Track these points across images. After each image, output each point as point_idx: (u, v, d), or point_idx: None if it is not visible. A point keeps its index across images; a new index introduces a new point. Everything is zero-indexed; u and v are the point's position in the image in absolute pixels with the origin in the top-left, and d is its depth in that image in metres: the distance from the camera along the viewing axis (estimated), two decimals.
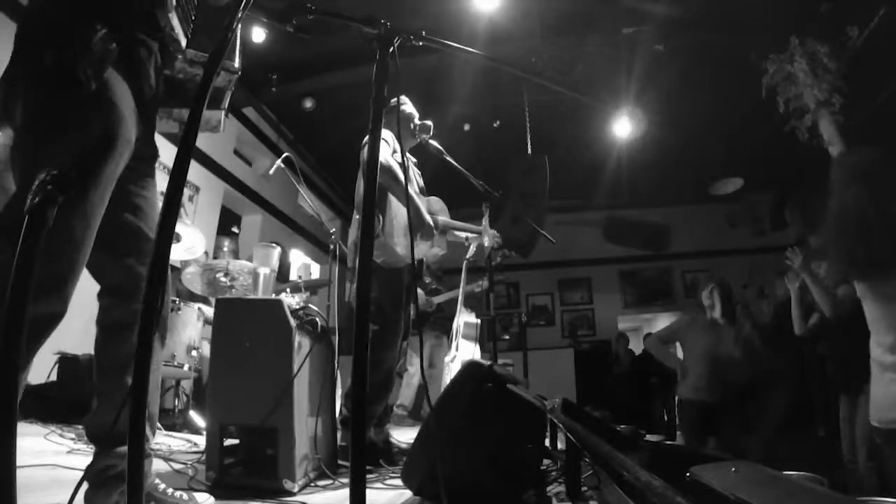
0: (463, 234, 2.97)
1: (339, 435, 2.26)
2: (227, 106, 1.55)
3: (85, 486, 1.18)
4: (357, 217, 2.48)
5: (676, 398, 4.07)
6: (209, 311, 3.38)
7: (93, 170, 1.12)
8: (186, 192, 4.75)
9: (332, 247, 3.49)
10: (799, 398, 3.67)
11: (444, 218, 2.75)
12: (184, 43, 1.39)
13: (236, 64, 1.48)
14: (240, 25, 0.94)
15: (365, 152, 2.44)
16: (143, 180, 1.36)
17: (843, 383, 2.93)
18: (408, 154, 2.71)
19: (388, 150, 2.44)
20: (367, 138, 2.47)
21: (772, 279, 4.29)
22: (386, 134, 2.45)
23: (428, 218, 2.46)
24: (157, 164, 1.45)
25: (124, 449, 1.20)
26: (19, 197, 1.06)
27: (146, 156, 1.37)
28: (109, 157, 1.15)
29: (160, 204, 1.36)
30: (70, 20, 1.17)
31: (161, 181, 1.16)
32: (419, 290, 4.59)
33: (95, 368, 1.29)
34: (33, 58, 1.15)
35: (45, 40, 1.16)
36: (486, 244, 2.75)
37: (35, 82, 1.15)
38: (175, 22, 1.34)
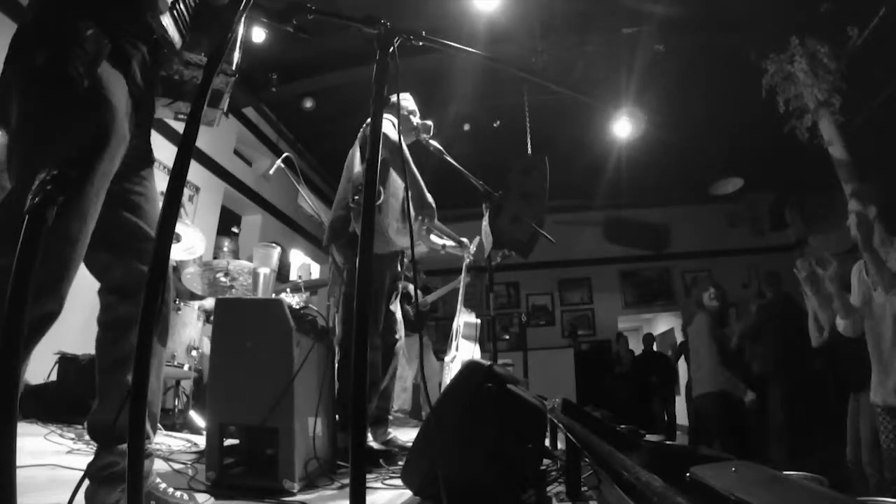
0: (440, 242, 2.93)
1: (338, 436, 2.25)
2: (225, 107, 1.57)
3: (86, 483, 1.18)
4: (356, 198, 2.30)
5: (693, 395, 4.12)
6: (209, 303, 3.37)
7: (88, 167, 1.11)
8: (186, 192, 4.75)
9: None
10: (793, 400, 3.69)
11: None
12: (178, 45, 1.38)
13: (233, 66, 1.49)
14: (240, 26, 0.94)
15: (363, 134, 2.36)
16: (140, 178, 1.34)
17: (855, 384, 2.94)
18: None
19: (394, 131, 2.37)
20: (367, 122, 2.44)
21: (770, 279, 4.30)
22: (389, 115, 2.41)
23: (430, 198, 2.41)
24: (157, 165, 1.44)
25: (126, 447, 1.21)
26: (15, 196, 1.05)
27: (142, 152, 1.36)
28: (104, 153, 1.14)
29: (159, 201, 1.35)
30: (61, 20, 1.16)
31: (161, 181, 1.16)
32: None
33: (96, 366, 1.29)
34: (26, 58, 1.15)
35: (37, 40, 1.16)
36: (466, 260, 2.70)
37: (28, 82, 1.14)
38: (168, 24, 1.33)
